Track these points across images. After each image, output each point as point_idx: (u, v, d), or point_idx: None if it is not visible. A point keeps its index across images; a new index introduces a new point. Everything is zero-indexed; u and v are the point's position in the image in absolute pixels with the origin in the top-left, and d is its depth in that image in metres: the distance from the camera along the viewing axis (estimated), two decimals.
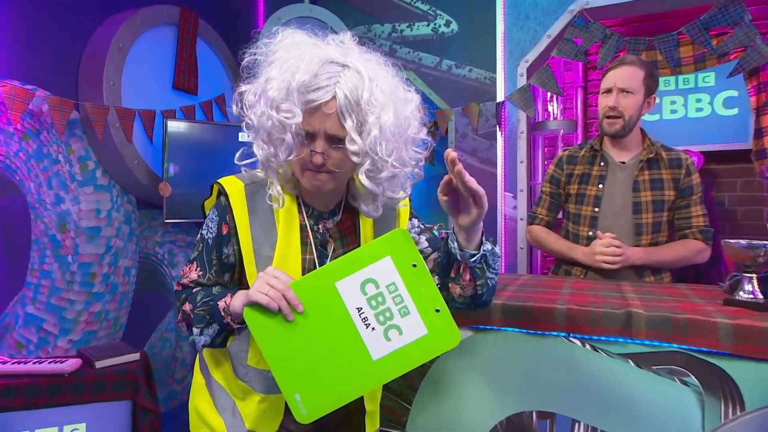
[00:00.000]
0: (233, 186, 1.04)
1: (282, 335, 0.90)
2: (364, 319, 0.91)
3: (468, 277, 1.00)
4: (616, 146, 1.97)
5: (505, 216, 2.95)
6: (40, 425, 1.91)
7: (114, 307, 2.59)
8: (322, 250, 1.06)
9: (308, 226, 1.06)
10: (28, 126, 2.34)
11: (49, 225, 2.41)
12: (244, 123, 0.99)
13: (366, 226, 1.11)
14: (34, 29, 2.37)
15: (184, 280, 1.06)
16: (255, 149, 0.98)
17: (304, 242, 1.04)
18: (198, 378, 1.16)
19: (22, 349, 2.34)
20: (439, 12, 3.46)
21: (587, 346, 1.22)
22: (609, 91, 1.89)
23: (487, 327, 1.33)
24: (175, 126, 2.70)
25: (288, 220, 1.03)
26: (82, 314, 2.47)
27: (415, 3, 3.50)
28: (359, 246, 1.05)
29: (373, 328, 0.91)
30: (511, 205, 2.98)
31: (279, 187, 1.02)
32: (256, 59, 0.97)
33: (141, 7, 2.68)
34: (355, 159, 0.95)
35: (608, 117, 1.89)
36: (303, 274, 1.00)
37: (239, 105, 0.98)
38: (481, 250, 0.98)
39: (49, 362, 2.00)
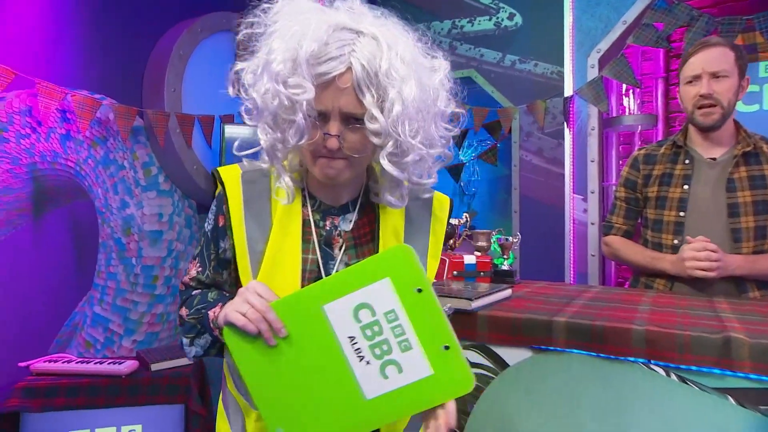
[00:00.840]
0: (230, 173, 0.93)
1: (264, 361, 0.78)
2: (357, 351, 0.77)
3: None
4: (705, 140, 1.73)
5: (573, 220, 2.73)
6: (100, 424, 1.96)
7: (175, 309, 2.65)
8: (327, 249, 0.91)
9: (312, 221, 0.91)
10: (96, 134, 2.43)
11: (115, 228, 2.49)
12: (242, 107, 0.88)
13: (387, 231, 0.93)
14: (102, 41, 2.47)
15: (186, 278, 0.97)
16: (259, 135, 0.86)
17: (306, 240, 0.90)
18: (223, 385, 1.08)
19: (90, 347, 2.43)
20: (501, 5, 3.29)
21: (672, 376, 1.04)
22: (696, 78, 1.66)
23: (548, 347, 1.18)
24: (232, 130, 2.73)
25: (287, 212, 0.90)
26: (145, 315, 2.53)
27: None
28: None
29: (368, 362, 0.77)
30: (580, 208, 2.75)
31: (288, 179, 0.88)
32: (254, 33, 0.84)
33: (200, 15, 2.72)
34: (375, 140, 0.81)
35: (702, 107, 1.65)
36: (303, 277, 0.88)
37: (236, 86, 0.87)
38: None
39: (109, 363, 2.05)
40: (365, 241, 0.94)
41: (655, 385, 1.04)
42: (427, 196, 0.97)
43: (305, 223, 0.91)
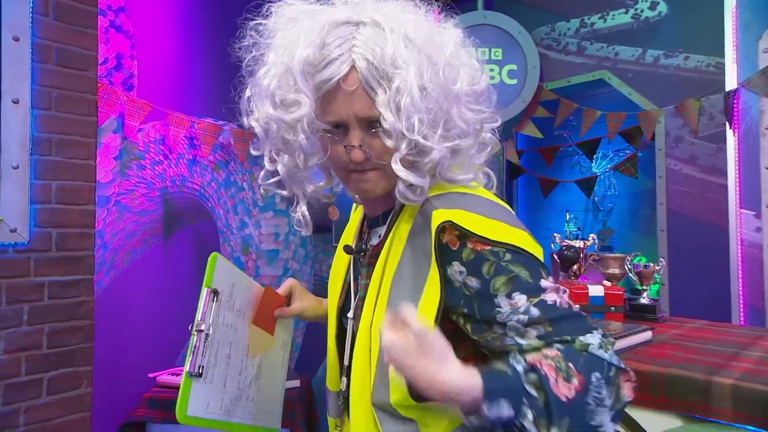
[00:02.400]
0: None
1: None
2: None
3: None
4: None
5: (742, 241, 2.23)
6: None
7: None
8: (357, 265, 0.86)
9: (364, 234, 0.87)
10: (219, 158, 2.57)
11: (235, 248, 2.59)
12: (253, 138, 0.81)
13: (397, 247, 0.74)
14: (226, 71, 2.61)
15: None
16: (267, 164, 0.77)
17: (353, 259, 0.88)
18: None
19: None
20: None
21: None
22: None
23: (707, 418, 0.88)
24: None
25: (352, 224, 0.92)
26: None
27: None
28: (380, 279, 0.75)
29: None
30: (751, 226, 2.24)
31: (305, 208, 0.79)
32: (253, 55, 0.74)
33: None
34: (388, 143, 0.67)
35: None
36: (341, 296, 0.88)
37: (248, 116, 0.76)
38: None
39: None
40: (373, 262, 0.79)
41: None
42: (429, 210, 0.71)
43: (359, 236, 0.89)
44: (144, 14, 2.33)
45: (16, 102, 1.71)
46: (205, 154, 2.43)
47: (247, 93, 0.75)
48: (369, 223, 0.85)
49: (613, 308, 1.33)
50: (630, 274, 1.47)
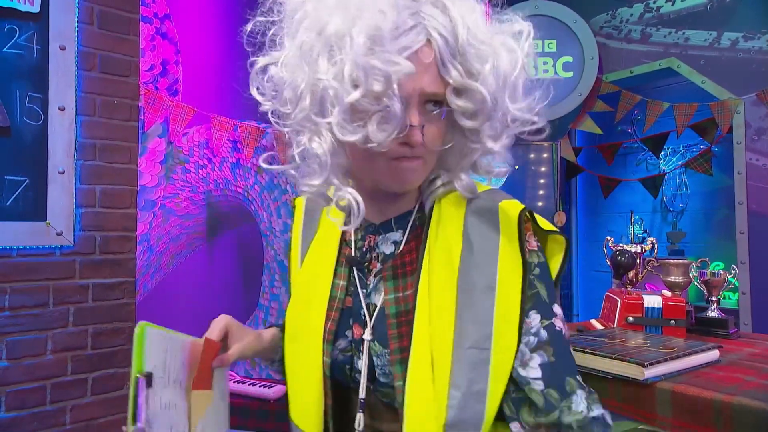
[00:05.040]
0: (302, 197, 0.86)
1: None
2: None
3: None
4: None
5: None
6: None
7: None
8: (360, 275, 0.74)
9: (352, 240, 0.76)
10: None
11: (278, 251, 2.58)
12: (271, 112, 0.69)
13: (436, 256, 0.68)
14: None
15: None
16: (308, 141, 0.64)
17: (340, 261, 0.76)
18: None
19: (255, 366, 2.53)
20: None
21: None
22: None
23: None
24: None
25: (330, 227, 0.78)
26: None
27: None
28: (415, 291, 0.68)
29: None
30: None
31: (353, 190, 0.67)
32: (267, 22, 0.67)
33: None
34: (469, 123, 0.64)
35: None
36: (329, 305, 0.73)
37: (261, 86, 0.67)
38: None
39: (260, 386, 2.07)
40: (410, 270, 0.70)
41: None
42: (489, 204, 0.68)
43: (345, 243, 0.77)
44: (188, 21, 2.37)
45: (62, 109, 1.78)
46: (247, 157, 2.44)
47: (284, 56, 0.65)
48: (367, 229, 0.75)
49: (673, 322, 1.16)
50: (696, 283, 1.28)
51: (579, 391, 0.62)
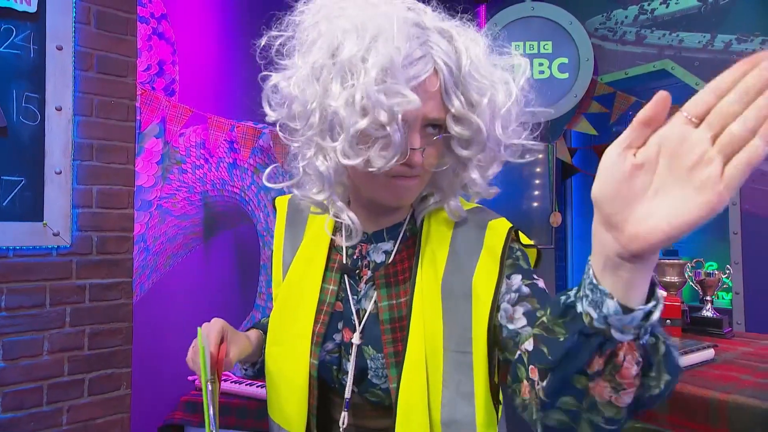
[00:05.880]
0: (284, 198, 0.89)
1: None
2: None
3: (633, 369, 0.47)
4: None
5: None
6: None
7: None
8: (351, 282, 0.77)
9: (343, 247, 0.78)
10: (259, 161, 2.57)
11: None
12: (279, 125, 0.73)
13: (426, 265, 0.73)
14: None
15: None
16: (318, 162, 0.68)
17: (329, 267, 0.79)
18: None
19: None
20: None
21: None
22: None
23: None
24: None
25: (317, 234, 0.80)
26: None
27: None
28: (410, 299, 0.72)
29: None
30: None
31: (352, 214, 0.73)
32: (281, 37, 0.72)
33: None
34: (464, 153, 0.69)
35: None
36: (318, 309, 0.76)
37: (270, 98, 0.72)
38: (657, 306, 0.45)
39: (258, 386, 2.07)
40: (402, 279, 0.75)
41: None
42: (478, 222, 0.74)
43: (335, 249, 0.80)
44: (185, 21, 2.37)
45: (59, 109, 1.77)
46: (244, 157, 2.44)
47: (295, 76, 0.68)
48: (364, 238, 0.78)
49: (668, 321, 1.17)
50: (691, 283, 1.30)
51: None
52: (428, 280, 0.72)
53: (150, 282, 2.19)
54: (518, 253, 0.73)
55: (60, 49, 1.77)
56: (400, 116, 0.62)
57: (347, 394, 0.73)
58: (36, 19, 1.72)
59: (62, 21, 1.77)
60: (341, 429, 0.74)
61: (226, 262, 2.47)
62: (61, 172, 1.77)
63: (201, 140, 2.39)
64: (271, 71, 0.73)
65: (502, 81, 0.69)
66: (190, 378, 2.21)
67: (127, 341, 1.91)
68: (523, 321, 0.66)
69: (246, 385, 2.09)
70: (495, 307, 0.68)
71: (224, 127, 2.40)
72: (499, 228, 0.72)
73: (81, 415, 1.81)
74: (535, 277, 0.71)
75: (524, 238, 0.75)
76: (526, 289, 0.68)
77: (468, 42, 0.68)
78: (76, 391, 1.81)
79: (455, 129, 0.67)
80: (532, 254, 0.75)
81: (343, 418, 0.73)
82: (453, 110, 0.66)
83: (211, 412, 0.66)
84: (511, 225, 0.73)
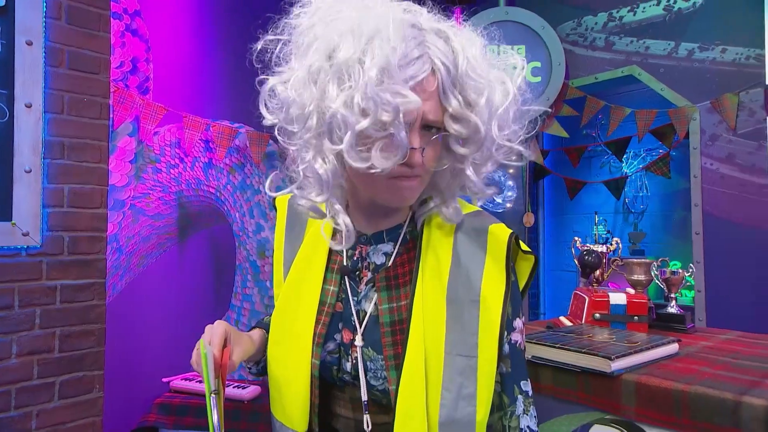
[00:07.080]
0: (284, 198, 0.88)
1: None
2: None
3: None
4: None
5: None
6: None
7: None
8: (351, 283, 0.78)
9: (343, 249, 0.78)
10: (235, 160, 2.55)
11: (251, 251, 2.57)
12: (277, 128, 0.72)
13: (428, 270, 0.73)
14: (240, 72, 2.60)
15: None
16: (317, 165, 0.68)
17: (330, 268, 0.79)
18: None
19: None
20: None
21: None
22: None
23: None
24: None
25: (316, 235, 0.80)
26: None
27: None
28: (410, 303, 0.72)
29: None
30: None
31: (348, 219, 0.73)
32: (277, 40, 0.71)
33: None
34: (462, 150, 0.69)
35: None
36: (319, 309, 0.77)
37: (267, 101, 0.71)
38: None
39: (234, 387, 2.06)
40: (403, 282, 0.75)
41: None
42: (478, 226, 0.75)
43: (335, 250, 0.80)
44: (159, 18, 2.34)
45: (28, 106, 1.73)
46: (220, 157, 2.42)
47: (292, 78, 0.68)
48: (364, 240, 0.78)
49: (636, 318, 1.23)
50: (656, 281, 1.36)
51: (519, 397, 0.73)
52: (431, 285, 0.72)
53: (123, 282, 2.16)
54: (513, 278, 0.74)
55: (30, 44, 1.72)
56: (401, 115, 0.62)
57: (364, 397, 0.73)
58: (5, 12, 1.67)
59: (32, 15, 1.73)
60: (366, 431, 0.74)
61: (201, 263, 2.44)
62: (30, 171, 1.73)
63: (176, 139, 2.36)
64: (267, 74, 0.72)
65: (499, 80, 0.70)
66: (165, 379, 2.19)
67: (99, 343, 1.88)
68: (498, 379, 0.73)
69: (234, 387, 2.08)
70: (505, 314, 0.70)
71: (200, 126, 2.38)
72: (500, 234, 0.73)
73: (51, 420, 1.77)
74: (515, 324, 0.74)
75: (523, 245, 0.75)
76: (506, 348, 0.73)
77: (464, 42, 0.68)
78: (46, 394, 1.77)
79: (453, 128, 0.67)
80: (530, 261, 0.76)
81: (366, 420, 0.73)
82: (451, 110, 0.66)
83: (216, 419, 0.66)
84: (511, 231, 0.74)
